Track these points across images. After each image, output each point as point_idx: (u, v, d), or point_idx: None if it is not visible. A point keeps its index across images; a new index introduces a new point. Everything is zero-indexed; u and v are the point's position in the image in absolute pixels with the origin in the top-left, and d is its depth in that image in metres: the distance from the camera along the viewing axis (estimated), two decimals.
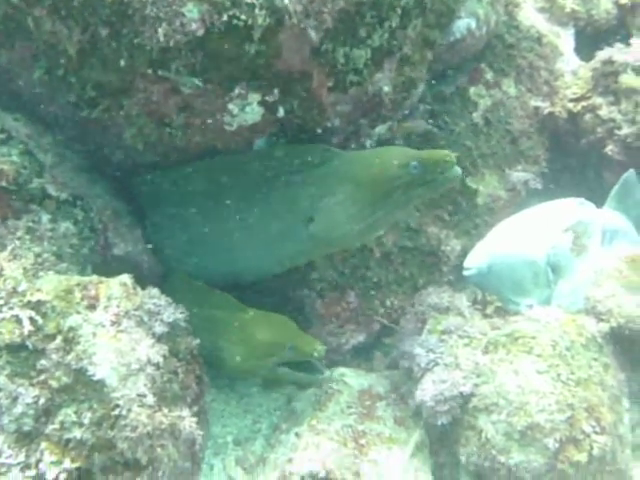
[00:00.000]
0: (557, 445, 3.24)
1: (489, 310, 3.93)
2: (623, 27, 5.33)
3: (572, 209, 4.02)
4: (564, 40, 5.16)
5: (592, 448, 3.27)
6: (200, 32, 3.05)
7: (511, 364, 3.42)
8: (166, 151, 3.74)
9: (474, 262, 3.87)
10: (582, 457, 3.25)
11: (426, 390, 3.51)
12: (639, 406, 3.71)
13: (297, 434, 3.59)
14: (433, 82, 4.46)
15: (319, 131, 3.65)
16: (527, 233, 3.92)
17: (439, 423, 3.50)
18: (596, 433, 3.29)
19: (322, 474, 3.26)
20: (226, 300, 3.93)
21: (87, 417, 3.06)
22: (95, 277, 3.38)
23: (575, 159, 4.83)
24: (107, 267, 3.78)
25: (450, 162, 3.47)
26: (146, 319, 3.37)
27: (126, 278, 3.39)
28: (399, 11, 3.40)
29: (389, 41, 3.46)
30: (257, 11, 3.03)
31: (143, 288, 3.51)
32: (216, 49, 3.14)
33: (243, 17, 3.03)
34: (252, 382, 4.28)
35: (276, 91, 3.40)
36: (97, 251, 3.80)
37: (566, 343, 3.44)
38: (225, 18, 3.02)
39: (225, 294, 3.96)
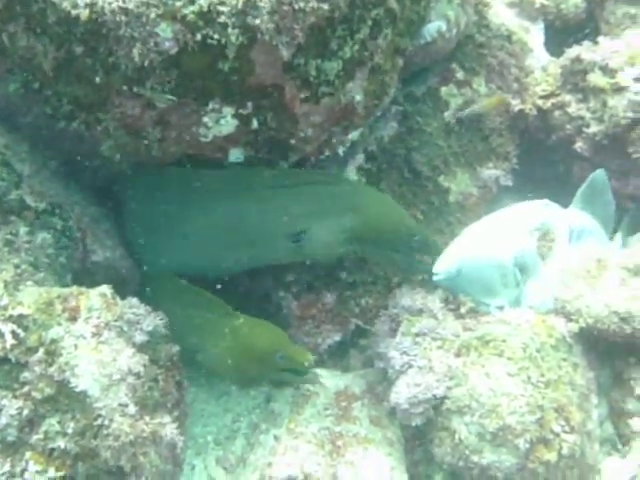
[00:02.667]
0: (528, 445, 3.33)
1: (463, 310, 3.98)
2: (592, 20, 5.39)
3: (538, 210, 4.09)
4: (534, 35, 5.22)
5: (561, 447, 3.36)
6: (174, 51, 3.10)
7: (483, 367, 3.50)
8: (142, 160, 3.79)
9: (443, 267, 3.92)
10: (552, 456, 3.35)
11: (400, 393, 3.58)
12: (607, 401, 3.81)
13: (276, 437, 3.66)
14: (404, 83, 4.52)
15: (293, 141, 3.71)
16: (494, 236, 3.98)
17: (413, 424, 3.59)
18: (565, 432, 3.37)
19: (300, 477, 3.34)
20: (215, 303, 4.00)
21: (70, 427, 3.14)
22: (75, 288, 3.44)
23: (545, 155, 4.90)
24: (87, 274, 3.84)
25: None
26: (126, 329, 3.43)
27: (105, 289, 3.45)
28: (369, 22, 3.43)
29: (360, 52, 3.49)
30: (230, 30, 3.07)
31: (122, 294, 3.57)
32: (190, 67, 3.19)
33: (216, 36, 3.07)
34: (230, 381, 4.35)
35: (249, 104, 3.45)
36: (76, 259, 3.84)
37: (536, 345, 3.52)
38: (199, 37, 3.07)
39: (214, 297, 4.03)
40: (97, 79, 3.26)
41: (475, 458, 3.42)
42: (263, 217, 4.05)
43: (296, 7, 3.11)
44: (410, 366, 3.65)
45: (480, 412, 3.41)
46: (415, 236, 4.01)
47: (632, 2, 5.04)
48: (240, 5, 3.04)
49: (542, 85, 4.81)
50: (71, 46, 3.18)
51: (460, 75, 4.74)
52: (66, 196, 3.96)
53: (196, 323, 3.92)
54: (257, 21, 3.08)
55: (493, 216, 4.12)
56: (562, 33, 5.29)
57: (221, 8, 3.04)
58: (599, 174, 4.24)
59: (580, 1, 5.40)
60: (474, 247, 3.96)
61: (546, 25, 5.39)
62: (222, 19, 3.05)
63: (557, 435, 3.37)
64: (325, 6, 3.18)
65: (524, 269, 4.00)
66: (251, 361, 3.89)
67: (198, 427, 4.08)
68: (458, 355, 3.62)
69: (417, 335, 3.73)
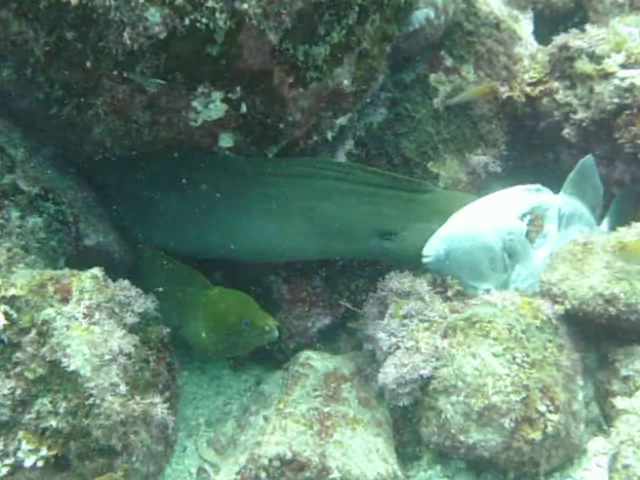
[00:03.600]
0: (513, 425, 3.39)
1: (450, 293, 4.02)
2: (581, 9, 5.43)
3: (529, 195, 4.14)
4: (523, 24, 5.24)
5: (546, 426, 3.41)
6: (163, 35, 3.14)
7: (469, 348, 3.55)
8: (134, 145, 3.83)
9: (432, 249, 3.99)
10: (537, 435, 3.40)
11: (388, 373, 3.64)
12: (593, 382, 3.86)
13: (265, 417, 3.71)
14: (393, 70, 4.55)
15: (281, 125, 3.75)
16: (484, 220, 4.03)
17: (401, 405, 3.64)
18: (550, 412, 3.43)
19: (289, 456, 3.37)
20: (195, 276, 4.11)
21: (62, 407, 3.21)
22: (67, 271, 3.51)
23: (534, 142, 4.94)
24: (79, 258, 3.90)
25: None
26: (117, 310, 3.50)
27: (97, 271, 3.52)
28: (356, 8, 3.47)
29: (348, 37, 3.54)
30: (218, 15, 3.11)
31: (114, 277, 3.64)
32: (179, 51, 3.23)
33: (204, 21, 3.12)
34: (223, 364, 4.44)
35: (238, 89, 3.49)
36: (68, 243, 3.90)
37: (522, 326, 3.58)
38: (187, 22, 3.11)
39: (194, 270, 4.14)
40: (88, 64, 3.29)
41: (461, 437, 3.48)
42: (355, 211, 4.22)
43: None
44: (398, 347, 3.71)
45: (466, 392, 3.47)
46: None
47: None
48: None
49: (530, 72, 4.85)
50: (62, 31, 3.22)
51: (449, 62, 4.76)
52: (59, 181, 4.02)
53: (176, 297, 3.99)
54: (245, 6, 3.12)
55: (484, 200, 4.16)
56: (551, 22, 5.33)
57: None
58: (588, 160, 4.29)
59: None
60: (464, 231, 4.01)
61: (535, 14, 5.43)
62: (210, 4, 3.09)
63: (542, 414, 3.42)
64: None
65: (513, 254, 4.05)
66: (220, 329, 3.96)
67: (190, 410, 4.16)
68: (445, 336, 3.68)
69: (405, 317, 3.79)
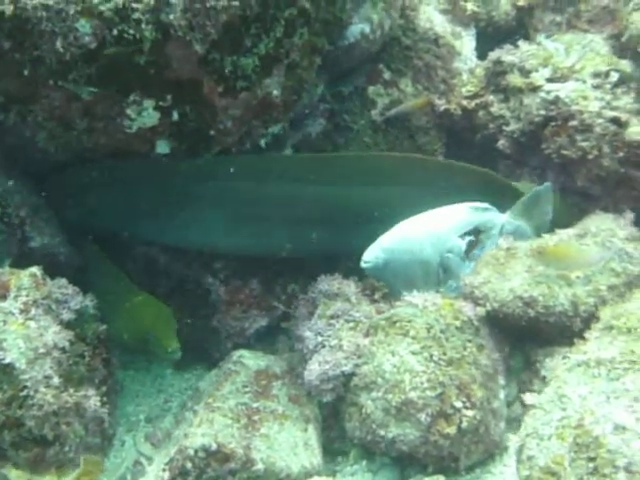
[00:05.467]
0: (429, 419, 3.50)
1: (377, 296, 4.16)
2: (522, 27, 5.58)
3: (475, 214, 4.28)
4: (465, 40, 5.38)
5: (461, 422, 3.52)
6: (93, 45, 3.31)
7: (389, 346, 3.68)
8: (77, 151, 4.02)
9: (372, 256, 4.14)
10: (452, 430, 3.51)
11: (312, 370, 3.77)
12: (517, 383, 3.98)
13: (194, 411, 3.85)
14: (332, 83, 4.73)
15: (212, 133, 3.91)
16: (426, 235, 4.17)
17: (325, 400, 3.79)
18: (466, 408, 3.54)
19: (214, 447, 3.49)
20: (123, 281, 4.30)
21: None
22: (7, 269, 3.68)
23: (473, 153, 5.09)
24: (25, 259, 4.04)
25: None
26: (54, 307, 3.67)
27: (35, 269, 3.69)
28: (283, 22, 3.63)
29: (276, 49, 3.69)
30: (144, 26, 3.28)
31: (59, 277, 3.80)
32: (109, 60, 3.39)
33: (131, 32, 3.29)
34: (166, 364, 4.57)
35: (169, 97, 3.65)
36: (13, 244, 4.05)
37: (441, 326, 3.70)
38: (115, 33, 3.28)
39: (123, 275, 4.33)
40: (25, 72, 3.46)
41: (382, 432, 3.60)
42: None
43: (208, 5, 3.32)
44: (323, 346, 3.85)
45: (385, 388, 3.59)
46: None
47: (558, 11, 5.23)
48: (153, 2, 3.26)
49: (468, 86, 5.03)
50: (0, 41, 3.39)
51: (387, 76, 4.89)
52: (7, 185, 4.16)
53: (107, 298, 4.12)
54: (170, 17, 3.29)
55: (429, 215, 4.27)
56: (494, 39, 5.46)
57: (135, 5, 3.25)
58: (546, 188, 4.41)
59: (510, 9, 5.59)
60: (404, 244, 4.13)
61: (479, 32, 5.59)
62: (136, 15, 3.26)
63: (457, 410, 3.52)
64: (236, 3, 3.38)
65: (448, 270, 4.18)
66: (134, 336, 4.11)
67: (131, 406, 4.30)
68: (367, 335, 3.81)
69: (332, 317, 3.94)
